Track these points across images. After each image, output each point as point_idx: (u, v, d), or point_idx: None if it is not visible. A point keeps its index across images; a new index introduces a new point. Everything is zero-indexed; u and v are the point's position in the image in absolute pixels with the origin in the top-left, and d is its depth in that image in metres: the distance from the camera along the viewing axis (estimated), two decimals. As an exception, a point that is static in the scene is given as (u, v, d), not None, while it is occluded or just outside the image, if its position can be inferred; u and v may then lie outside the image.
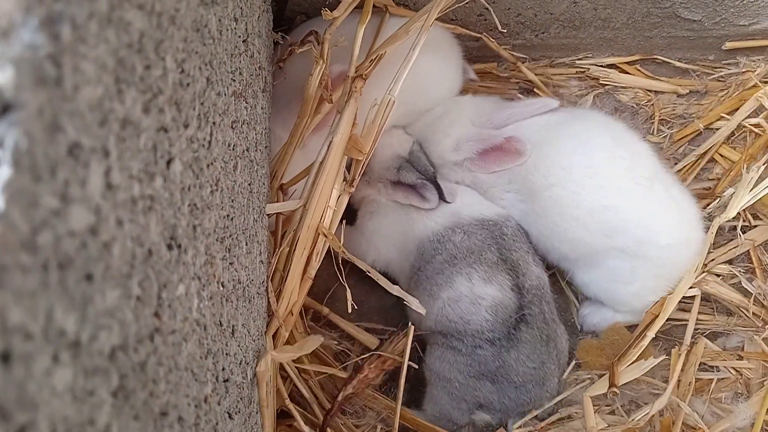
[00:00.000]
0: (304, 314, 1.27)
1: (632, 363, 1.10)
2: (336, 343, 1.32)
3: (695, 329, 1.25)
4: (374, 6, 1.21)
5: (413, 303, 1.04)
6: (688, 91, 1.43)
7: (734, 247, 1.22)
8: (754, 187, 1.19)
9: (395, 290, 1.04)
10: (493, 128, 1.21)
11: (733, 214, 1.16)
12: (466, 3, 1.29)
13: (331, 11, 1.26)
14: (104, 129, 0.38)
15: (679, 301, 1.24)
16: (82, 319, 0.34)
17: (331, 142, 1.05)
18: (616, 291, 1.21)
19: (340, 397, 1.02)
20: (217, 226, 0.70)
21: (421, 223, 1.17)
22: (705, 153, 1.33)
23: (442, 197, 1.16)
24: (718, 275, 1.23)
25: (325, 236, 1.05)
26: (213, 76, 0.69)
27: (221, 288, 0.71)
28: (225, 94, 0.76)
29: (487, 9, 1.30)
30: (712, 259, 1.23)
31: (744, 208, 1.18)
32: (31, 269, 0.29)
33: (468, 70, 1.37)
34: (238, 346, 0.80)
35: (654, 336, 1.14)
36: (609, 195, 1.12)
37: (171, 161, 0.53)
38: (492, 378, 1.06)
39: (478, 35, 1.35)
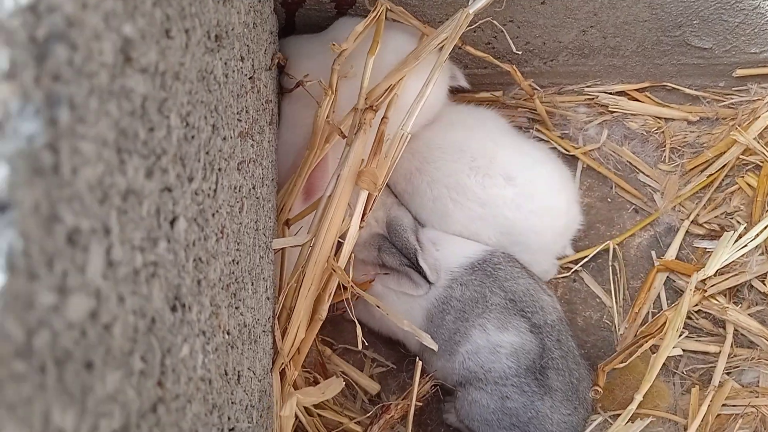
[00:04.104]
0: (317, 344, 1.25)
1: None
2: (342, 373, 1.30)
3: (707, 364, 1.24)
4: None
5: (425, 338, 1.01)
6: (698, 118, 1.41)
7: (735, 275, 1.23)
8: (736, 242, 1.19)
9: (406, 325, 1.02)
10: None
11: (713, 272, 1.17)
12: (474, 32, 1.28)
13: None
14: (105, 206, 0.37)
15: (696, 333, 1.23)
16: (81, 412, 0.33)
17: (339, 175, 1.03)
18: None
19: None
20: (222, 275, 0.68)
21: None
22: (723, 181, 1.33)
23: (427, 280, 1.12)
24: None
25: (334, 270, 1.02)
26: (218, 121, 0.68)
27: (227, 336, 0.70)
28: (231, 137, 0.75)
29: (495, 38, 1.29)
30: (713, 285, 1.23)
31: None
32: (26, 376, 0.28)
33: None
34: (244, 391, 0.79)
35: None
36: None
37: (175, 220, 0.51)
38: (524, 428, 1.04)
39: (509, 65, 1.32)
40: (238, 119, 0.80)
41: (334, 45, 1.02)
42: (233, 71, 0.77)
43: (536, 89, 1.41)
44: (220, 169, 0.68)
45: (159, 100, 0.48)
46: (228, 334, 0.70)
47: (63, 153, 0.32)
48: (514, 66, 1.31)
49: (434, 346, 1.02)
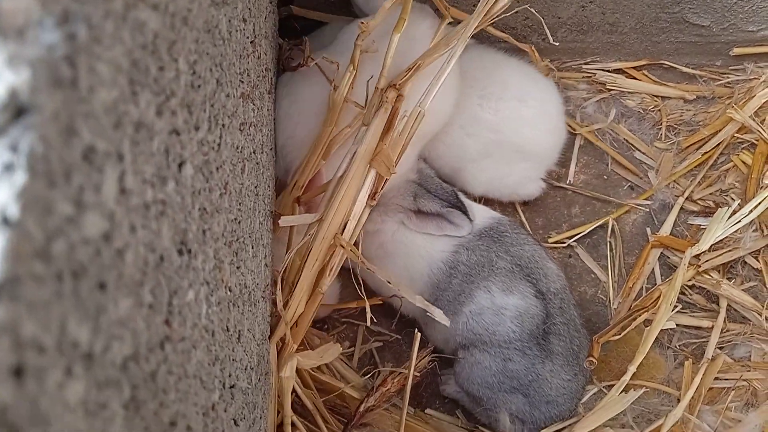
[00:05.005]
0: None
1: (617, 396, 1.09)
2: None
3: (700, 338, 1.25)
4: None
5: (436, 314, 1.01)
6: (694, 97, 1.42)
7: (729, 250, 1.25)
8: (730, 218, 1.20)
9: (418, 301, 1.01)
10: None
11: (707, 247, 1.19)
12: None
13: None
14: (119, 132, 0.37)
15: (690, 309, 1.24)
16: (95, 329, 0.33)
17: (354, 153, 1.01)
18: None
19: (362, 408, 1.00)
20: (225, 230, 0.68)
21: (428, 257, 1.13)
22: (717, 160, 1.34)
23: (468, 217, 1.12)
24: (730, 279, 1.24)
25: (343, 246, 1.01)
26: (223, 77, 0.68)
27: (229, 293, 0.70)
28: (234, 96, 0.75)
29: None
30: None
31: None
32: (44, 279, 0.28)
33: None
34: (244, 351, 0.79)
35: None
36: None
37: (183, 164, 0.51)
38: (525, 392, 1.05)
39: (526, 45, 1.33)
40: (240, 80, 0.80)
41: (362, 23, 1.00)
42: (236, 30, 0.77)
43: (552, 69, 1.41)
44: (223, 125, 0.68)
45: (169, 40, 0.48)
46: (230, 290, 0.71)
47: (81, 69, 0.32)
48: (531, 46, 1.31)
49: (446, 322, 1.01)
